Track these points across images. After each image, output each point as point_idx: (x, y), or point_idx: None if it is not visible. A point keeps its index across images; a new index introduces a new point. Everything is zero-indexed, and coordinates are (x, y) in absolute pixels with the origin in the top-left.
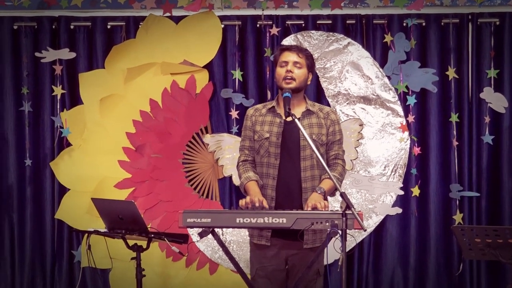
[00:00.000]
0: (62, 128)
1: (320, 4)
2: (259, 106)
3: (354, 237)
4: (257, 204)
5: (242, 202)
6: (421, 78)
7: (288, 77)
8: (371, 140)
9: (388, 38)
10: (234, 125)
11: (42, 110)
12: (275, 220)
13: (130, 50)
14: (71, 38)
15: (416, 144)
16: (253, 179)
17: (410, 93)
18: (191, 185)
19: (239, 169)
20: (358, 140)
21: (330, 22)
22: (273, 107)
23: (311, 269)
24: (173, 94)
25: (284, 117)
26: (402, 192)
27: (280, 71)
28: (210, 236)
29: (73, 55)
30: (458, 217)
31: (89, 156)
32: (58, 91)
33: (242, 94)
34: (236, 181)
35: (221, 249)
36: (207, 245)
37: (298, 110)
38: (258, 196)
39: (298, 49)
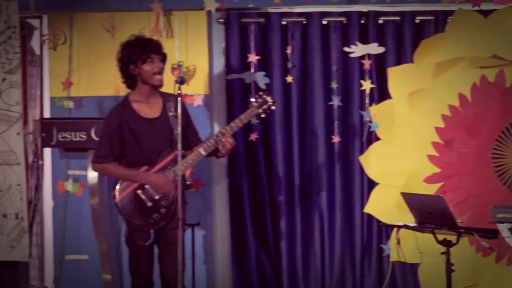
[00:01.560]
0: (371, 122)
1: None
2: None
3: None
4: None
5: None
6: None
7: None
8: None
9: None
10: None
11: (351, 104)
12: None
13: (439, 44)
14: (380, 33)
15: None
16: None
17: None
18: (501, 180)
19: None
20: None
21: None
22: None
23: None
24: (482, 88)
25: None
26: None
27: None
28: None
29: (381, 49)
30: None
31: (398, 150)
32: (367, 85)
33: None
34: None
35: None
36: None
37: None
38: None
39: None
